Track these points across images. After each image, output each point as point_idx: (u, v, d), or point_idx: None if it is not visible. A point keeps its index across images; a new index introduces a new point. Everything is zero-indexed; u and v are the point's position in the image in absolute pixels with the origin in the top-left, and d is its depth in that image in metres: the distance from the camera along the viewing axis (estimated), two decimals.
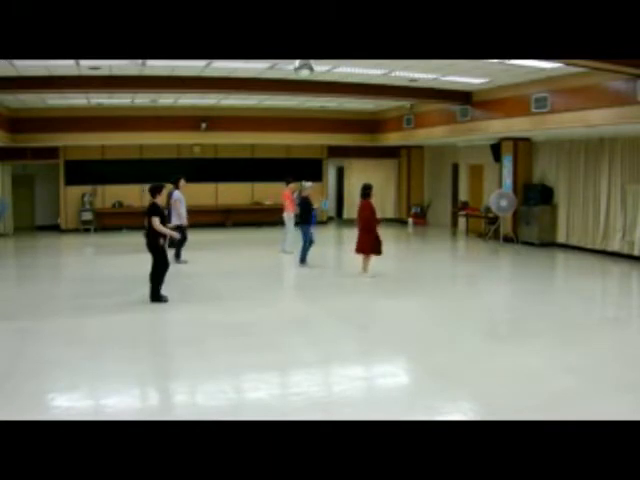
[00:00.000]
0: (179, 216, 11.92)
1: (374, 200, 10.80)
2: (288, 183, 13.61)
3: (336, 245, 17.23)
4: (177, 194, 12.08)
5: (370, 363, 6.40)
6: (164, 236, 8.64)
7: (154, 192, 8.78)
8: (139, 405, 5.25)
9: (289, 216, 13.40)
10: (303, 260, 11.80)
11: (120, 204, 18.69)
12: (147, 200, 10.79)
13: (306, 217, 11.83)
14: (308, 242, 11.74)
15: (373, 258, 10.63)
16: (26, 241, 16.91)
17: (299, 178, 13.59)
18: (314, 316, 8.32)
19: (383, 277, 10.64)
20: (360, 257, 10.74)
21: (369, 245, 10.47)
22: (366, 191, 10.62)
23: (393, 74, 12.02)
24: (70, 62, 10.30)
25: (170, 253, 11.09)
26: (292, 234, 13.39)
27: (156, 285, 8.60)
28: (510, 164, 15.48)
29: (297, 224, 12.59)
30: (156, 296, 8.58)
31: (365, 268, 10.63)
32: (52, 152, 18.00)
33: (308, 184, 12.31)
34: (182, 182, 12.26)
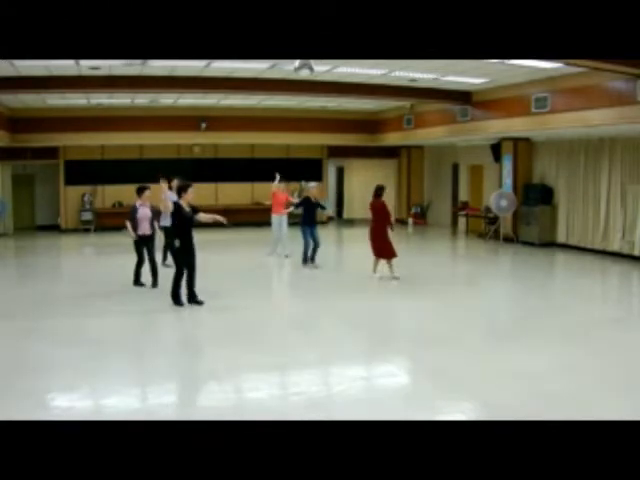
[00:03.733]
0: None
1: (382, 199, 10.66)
2: (279, 181, 13.03)
3: (336, 245, 17.22)
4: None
5: (370, 363, 6.40)
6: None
7: (181, 191, 8.39)
8: (139, 405, 5.25)
9: (280, 218, 12.70)
10: (310, 259, 11.74)
11: (120, 204, 18.68)
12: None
13: (310, 218, 11.81)
14: (315, 243, 11.68)
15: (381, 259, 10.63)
16: (26, 241, 16.91)
17: (299, 178, 13.52)
18: (314, 316, 8.33)
19: (383, 277, 10.63)
20: (370, 258, 10.77)
21: (386, 249, 10.47)
22: (378, 191, 10.59)
23: (393, 74, 12.02)
24: (70, 62, 10.30)
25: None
26: (286, 236, 12.79)
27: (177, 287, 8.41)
28: (510, 164, 15.47)
29: (297, 224, 12.38)
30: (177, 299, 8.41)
31: (390, 269, 10.53)
32: (52, 152, 18.00)
33: (312, 184, 12.32)
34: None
